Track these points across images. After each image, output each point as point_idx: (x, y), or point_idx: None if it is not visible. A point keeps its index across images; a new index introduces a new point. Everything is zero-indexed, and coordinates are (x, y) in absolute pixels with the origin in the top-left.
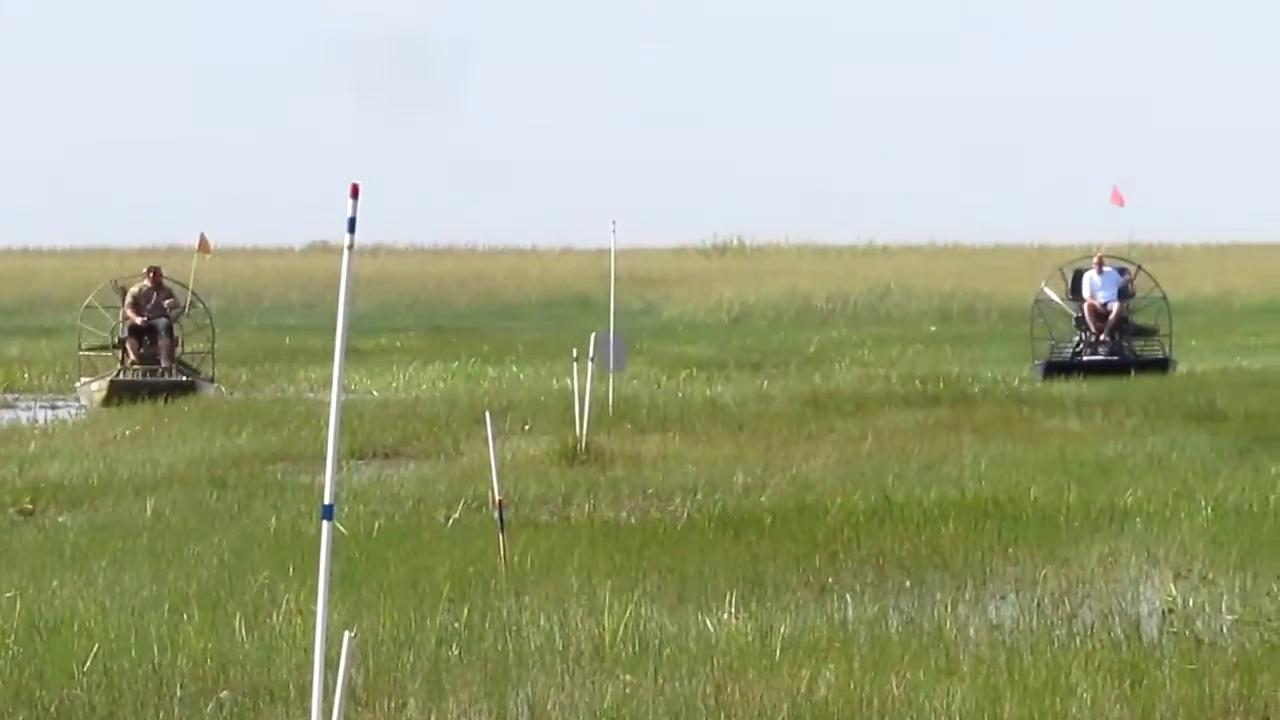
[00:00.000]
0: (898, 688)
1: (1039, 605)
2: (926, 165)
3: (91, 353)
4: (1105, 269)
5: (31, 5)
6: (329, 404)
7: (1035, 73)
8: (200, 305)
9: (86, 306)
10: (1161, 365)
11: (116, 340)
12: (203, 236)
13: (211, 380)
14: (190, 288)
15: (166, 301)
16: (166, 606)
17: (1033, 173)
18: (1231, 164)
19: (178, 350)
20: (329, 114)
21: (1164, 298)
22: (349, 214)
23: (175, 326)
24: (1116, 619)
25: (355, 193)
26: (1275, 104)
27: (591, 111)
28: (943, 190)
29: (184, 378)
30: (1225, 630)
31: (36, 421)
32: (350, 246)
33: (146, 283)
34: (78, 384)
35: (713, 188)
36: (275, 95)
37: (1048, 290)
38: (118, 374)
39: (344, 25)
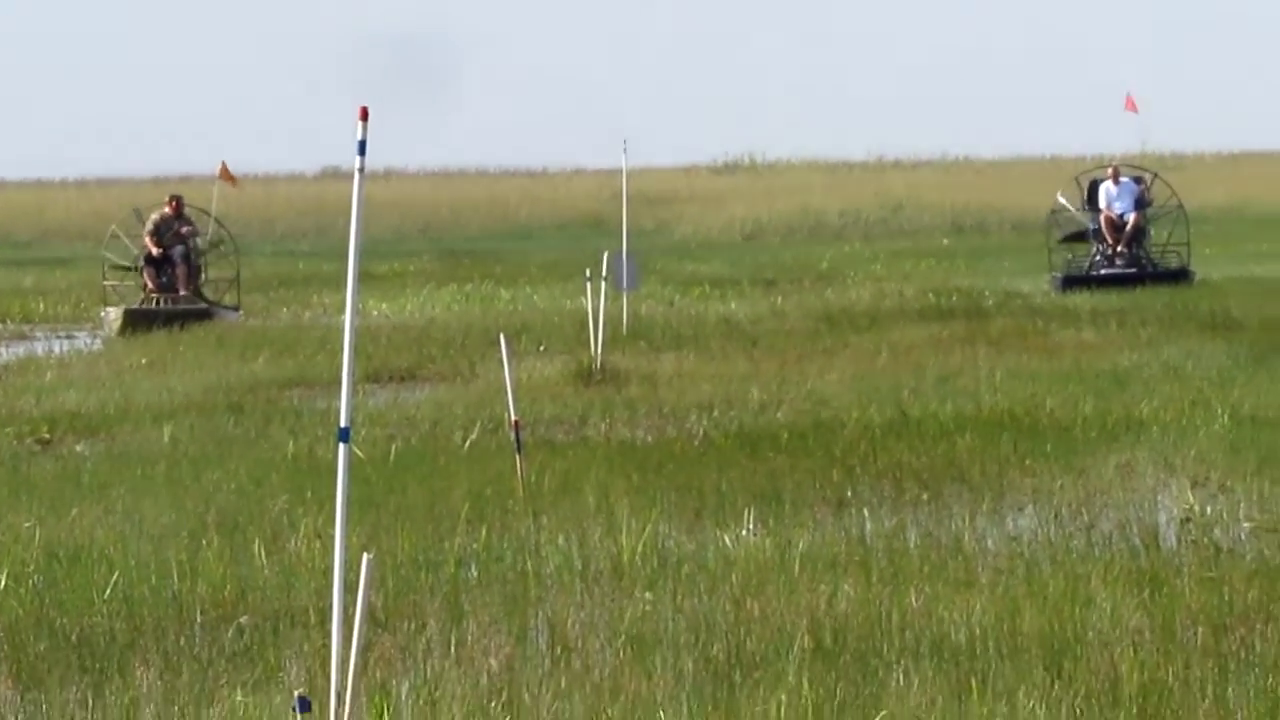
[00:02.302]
0: (916, 601)
1: (1057, 516)
2: (936, 78)
3: (115, 282)
4: (1121, 179)
5: None
6: (343, 328)
7: None
8: (225, 233)
9: (110, 235)
10: (1180, 276)
11: (137, 269)
12: (224, 166)
13: (236, 309)
14: (213, 215)
15: (185, 229)
16: (185, 533)
17: (1043, 83)
18: (1243, 71)
19: (201, 278)
20: (336, 33)
21: (1180, 207)
22: (359, 137)
23: (194, 254)
24: (1134, 528)
25: (365, 115)
26: None
27: (599, 30)
28: (953, 103)
29: (201, 304)
30: (1244, 537)
31: (52, 352)
32: (361, 170)
33: (167, 210)
34: (101, 313)
35: (722, 105)
36: (279, 18)
37: (1063, 200)
38: (139, 303)
39: None
